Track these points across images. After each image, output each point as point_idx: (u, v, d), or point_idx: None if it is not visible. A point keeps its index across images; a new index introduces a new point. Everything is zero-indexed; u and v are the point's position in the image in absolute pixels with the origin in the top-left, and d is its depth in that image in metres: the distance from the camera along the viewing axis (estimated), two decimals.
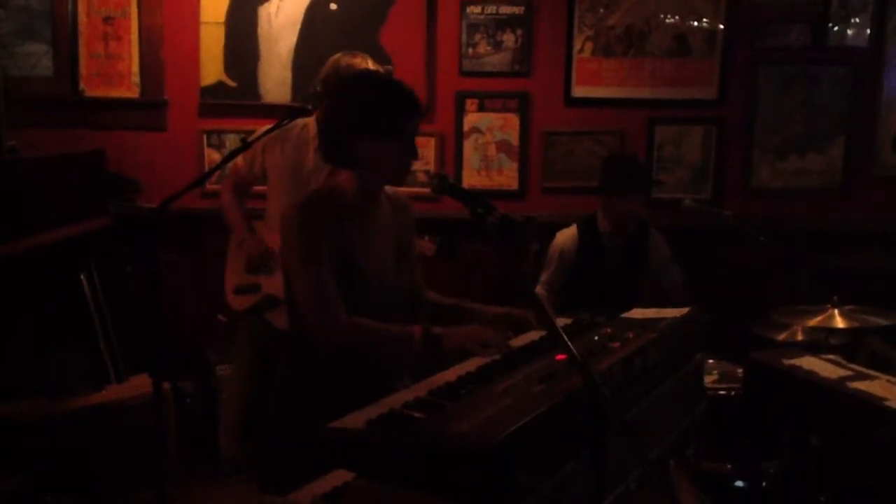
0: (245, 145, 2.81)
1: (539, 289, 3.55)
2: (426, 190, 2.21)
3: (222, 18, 4.20)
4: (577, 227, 3.60)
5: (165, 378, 3.11)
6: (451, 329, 2.07)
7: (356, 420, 1.55)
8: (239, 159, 3.18)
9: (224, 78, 4.23)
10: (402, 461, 1.48)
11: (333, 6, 4.21)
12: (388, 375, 2.15)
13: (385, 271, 2.17)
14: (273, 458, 2.19)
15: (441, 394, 1.69)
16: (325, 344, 2.04)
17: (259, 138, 2.96)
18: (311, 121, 3.12)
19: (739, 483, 2.95)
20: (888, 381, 2.35)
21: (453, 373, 1.84)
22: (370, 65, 3.12)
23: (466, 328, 2.10)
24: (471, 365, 1.90)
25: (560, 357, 1.80)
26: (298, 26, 4.20)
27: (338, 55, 3.14)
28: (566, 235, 3.61)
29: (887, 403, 2.14)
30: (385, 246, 2.20)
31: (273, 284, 3.08)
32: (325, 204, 2.11)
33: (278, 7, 4.21)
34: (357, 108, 2.08)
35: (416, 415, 1.57)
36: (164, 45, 4.22)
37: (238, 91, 4.23)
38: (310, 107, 2.96)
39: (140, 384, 3.37)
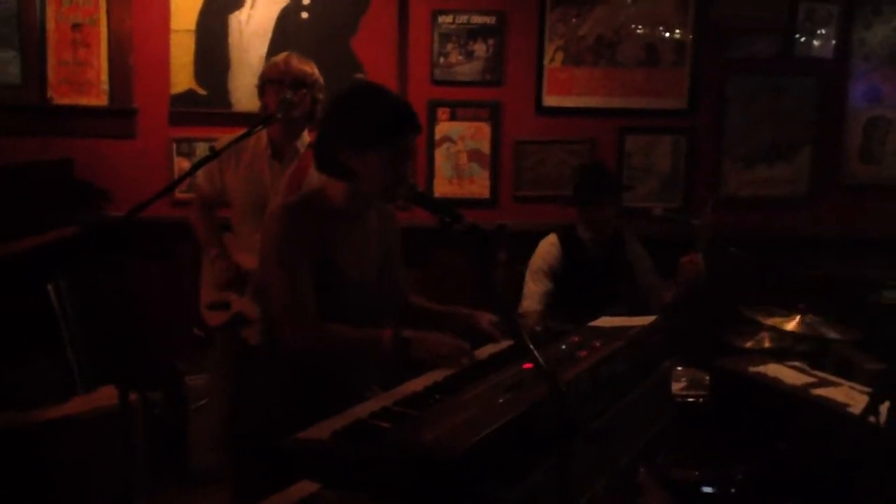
0: (213, 154, 2.79)
1: (530, 303, 3.53)
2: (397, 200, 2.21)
3: (192, 26, 4.18)
4: (558, 237, 3.59)
5: (134, 388, 3.08)
6: (420, 333, 2.07)
7: (322, 430, 1.55)
8: (200, 178, 3.16)
9: (194, 86, 4.21)
10: (368, 471, 1.47)
11: (304, 15, 4.21)
12: (357, 384, 2.15)
13: (368, 278, 2.17)
14: (244, 468, 2.18)
15: (407, 404, 1.69)
16: (295, 347, 2.04)
17: (228, 147, 2.94)
18: (262, 133, 3.08)
19: (708, 489, 2.97)
20: (851, 387, 2.38)
21: (420, 382, 1.85)
22: (316, 71, 3.09)
23: (435, 336, 2.10)
24: (438, 374, 1.90)
25: (527, 366, 1.80)
26: (269, 35, 4.19)
27: (285, 53, 3.12)
28: (548, 246, 3.59)
29: (850, 410, 2.16)
30: (369, 252, 2.21)
31: (243, 304, 3.07)
32: (310, 208, 2.11)
33: (249, 15, 4.20)
34: (352, 120, 2.08)
35: (383, 425, 1.57)
36: (133, 52, 4.19)
37: (208, 99, 4.20)
38: (279, 115, 2.95)
39: (108, 395, 3.32)
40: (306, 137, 3.13)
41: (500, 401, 1.65)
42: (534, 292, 3.54)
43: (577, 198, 3.57)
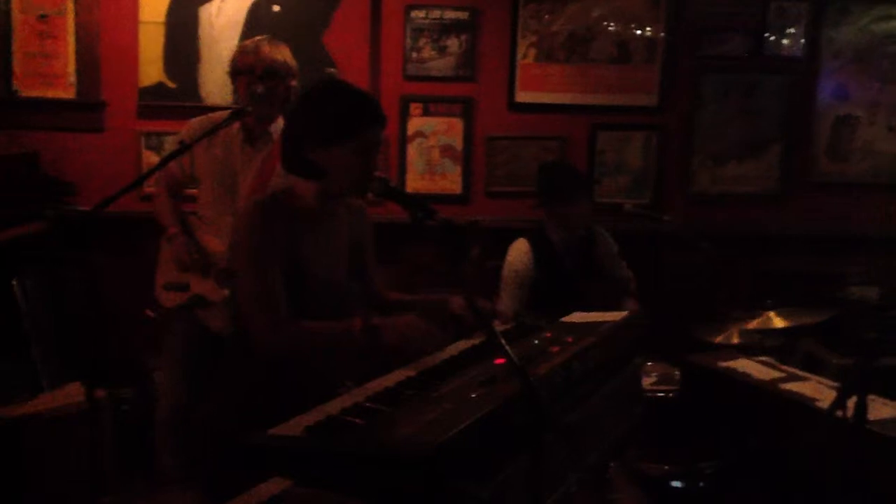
0: (183, 147, 2.76)
1: (500, 308, 3.49)
2: (368, 194, 2.20)
3: (162, 18, 4.12)
4: (529, 242, 3.55)
5: (101, 385, 3.04)
6: (389, 320, 2.06)
7: (294, 427, 1.53)
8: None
9: (164, 79, 4.16)
10: (341, 468, 1.46)
11: (276, 8, 4.17)
12: (331, 378, 2.14)
13: (336, 276, 2.16)
14: (215, 465, 2.16)
15: (380, 399, 1.68)
16: (266, 347, 2.02)
17: (198, 140, 2.90)
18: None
19: (678, 483, 2.99)
20: (819, 382, 2.41)
21: (393, 378, 1.84)
22: (289, 57, 3.05)
23: (404, 319, 2.09)
24: (410, 370, 1.89)
25: (499, 361, 1.80)
26: (240, 28, 4.15)
27: (256, 38, 3.07)
28: (518, 253, 3.54)
29: (818, 404, 2.19)
30: (338, 250, 2.20)
31: (203, 285, 3.03)
32: (281, 206, 2.10)
33: (220, 8, 4.15)
34: (317, 116, 2.07)
35: (355, 421, 1.56)
36: (101, 44, 4.13)
37: (178, 92, 4.15)
38: (250, 108, 2.92)
39: (74, 392, 3.28)
40: (280, 122, 3.11)
41: (473, 396, 1.64)
42: (508, 306, 3.49)
43: (551, 198, 3.53)
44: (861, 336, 3.62)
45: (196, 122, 3.09)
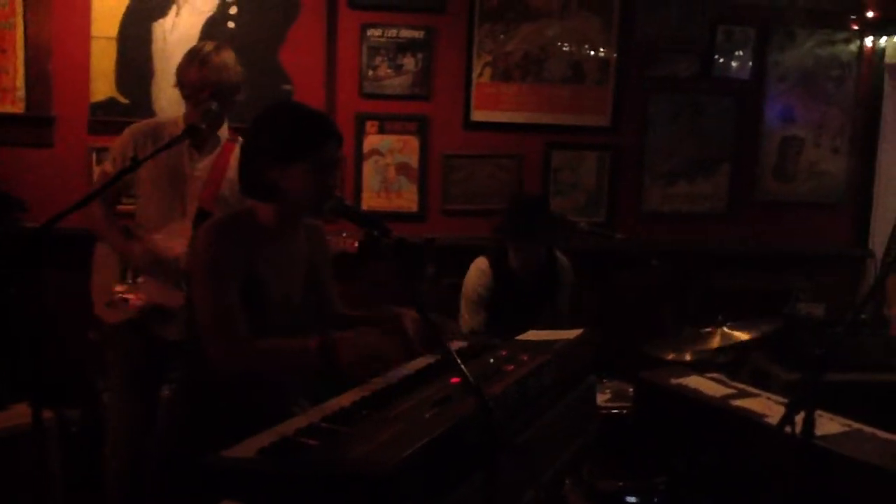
0: (135, 164, 2.72)
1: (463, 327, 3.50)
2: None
3: (114, 33, 4.07)
4: (490, 264, 3.53)
5: (48, 406, 2.96)
6: (346, 336, 2.03)
7: (247, 448, 1.52)
8: (108, 167, 3.07)
9: (116, 94, 4.10)
10: (295, 490, 1.45)
11: (231, 24, 4.15)
12: (285, 398, 2.13)
13: (293, 297, 2.16)
14: (169, 487, 2.12)
15: (335, 419, 1.67)
16: (223, 367, 2.00)
17: (152, 156, 2.87)
18: (180, 122, 3.01)
19: (632, 499, 3.02)
20: (768, 398, 2.46)
21: (348, 397, 1.83)
22: (235, 65, 3.03)
23: (362, 337, 2.07)
24: (365, 389, 1.89)
25: (454, 380, 1.81)
26: (195, 43, 4.11)
27: (204, 47, 3.02)
28: (478, 272, 3.52)
29: (767, 420, 2.23)
30: (296, 271, 2.20)
31: (160, 294, 2.97)
32: (240, 226, 2.10)
33: (174, 23, 4.12)
34: (272, 136, 2.07)
35: (310, 442, 1.55)
36: (52, 58, 4.06)
37: (130, 108, 4.09)
38: (203, 125, 2.89)
39: (21, 413, 3.19)
40: (227, 127, 3.09)
41: (428, 416, 1.64)
42: (469, 325, 3.51)
43: (508, 230, 3.48)
44: (808, 352, 3.70)
45: (130, 134, 3.04)
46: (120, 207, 3.24)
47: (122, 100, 4.10)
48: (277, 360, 2.03)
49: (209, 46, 3.02)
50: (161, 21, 4.10)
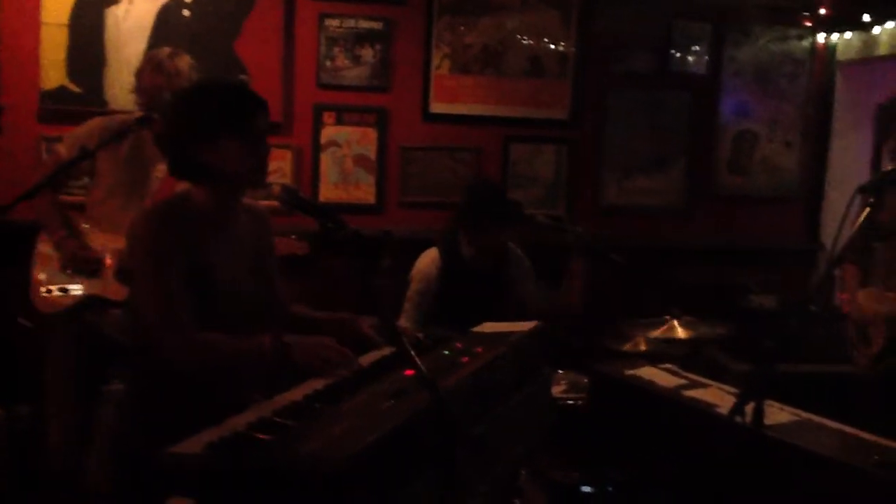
0: (86, 154, 2.68)
1: (402, 320, 3.41)
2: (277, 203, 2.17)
3: (65, 20, 3.98)
4: (440, 253, 3.49)
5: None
6: (301, 339, 2.03)
7: (196, 444, 1.49)
8: (62, 149, 3.02)
9: (67, 83, 4.01)
10: (245, 485, 1.43)
11: (186, 13, 4.08)
12: (241, 390, 2.10)
13: (241, 283, 2.11)
14: (125, 482, 2.08)
15: (287, 413, 1.65)
16: (170, 357, 1.97)
17: (102, 146, 2.82)
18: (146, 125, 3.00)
19: (587, 488, 3.04)
20: (720, 388, 2.49)
21: (300, 391, 1.81)
22: (190, 70, 3.02)
23: (316, 339, 2.07)
24: (318, 382, 1.87)
25: (409, 373, 1.80)
26: (148, 31, 4.04)
27: (158, 53, 3.04)
28: (428, 263, 3.48)
29: (718, 410, 2.26)
30: (242, 257, 2.15)
31: (102, 285, 2.93)
32: (177, 213, 2.04)
33: (127, 10, 4.03)
34: (198, 115, 2.03)
35: (261, 436, 1.53)
36: (0, 46, 3.96)
37: (82, 97, 4.01)
38: (156, 115, 2.86)
39: None
40: None
41: (382, 409, 1.63)
42: (411, 315, 3.43)
43: (467, 220, 3.43)
44: (760, 344, 3.76)
45: (97, 127, 3.01)
46: (70, 198, 3.19)
47: (74, 88, 4.02)
48: (226, 355, 2.00)
49: (164, 52, 3.05)
50: (114, 8, 4.03)
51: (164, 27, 4.05)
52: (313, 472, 1.41)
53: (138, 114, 3.01)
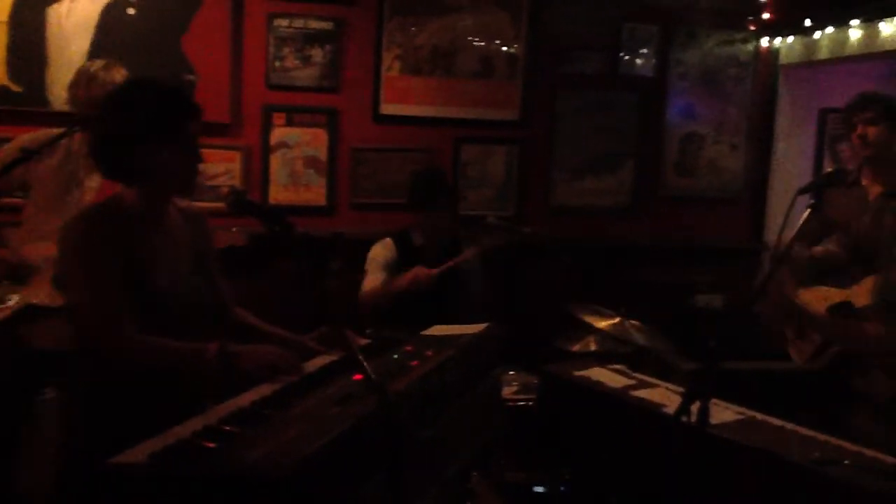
0: (25, 156, 2.61)
1: (370, 284, 3.54)
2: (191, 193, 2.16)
3: (5, 17, 3.87)
4: (393, 241, 3.60)
5: None
6: (248, 347, 2.02)
7: (139, 453, 1.46)
8: None
9: (7, 82, 3.90)
10: (191, 495, 1.41)
11: (131, 11, 4.01)
12: (188, 398, 2.06)
13: (180, 285, 2.08)
14: (68, 492, 2.04)
15: (233, 420, 1.63)
16: (112, 360, 1.93)
17: (44, 146, 2.76)
18: (77, 137, 2.95)
19: (539, 488, 3.06)
20: (667, 388, 2.52)
21: (247, 397, 1.79)
22: (120, 76, 2.98)
23: (263, 348, 2.06)
24: (266, 388, 1.85)
25: (357, 377, 1.79)
26: (92, 30, 3.96)
27: (92, 66, 3.00)
28: (382, 247, 3.60)
29: (665, 410, 2.29)
30: (179, 259, 2.12)
31: (37, 293, 2.87)
32: (110, 216, 2.01)
33: (70, 8, 3.94)
34: (130, 117, 1.99)
35: (206, 444, 1.51)
36: None
37: (23, 97, 3.91)
38: (94, 115, 2.80)
39: None
40: None
41: (329, 414, 1.62)
42: (376, 274, 3.55)
43: (414, 202, 3.60)
44: (706, 342, 3.82)
45: (26, 137, 3.00)
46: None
47: (15, 87, 3.92)
48: (168, 360, 1.97)
49: (97, 65, 3.00)
50: (56, 6, 3.93)
51: (109, 26, 3.97)
52: (259, 479, 1.39)
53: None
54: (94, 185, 2.94)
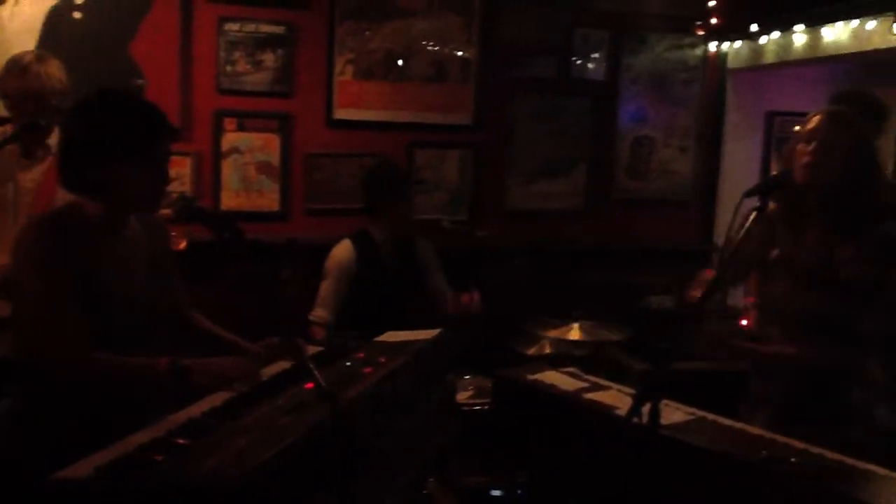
0: None
1: (319, 310, 3.52)
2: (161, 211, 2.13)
3: None
4: (352, 241, 3.59)
5: None
6: (201, 361, 1.99)
7: (84, 468, 1.43)
8: None
9: None
10: None
11: (77, 14, 3.93)
12: (139, 410, 2.03)
13: (136, 293, 2.05)
14: None
15: (183, 432, 1.61)
16: (58, 376, 1.89)
17: None
18: (8, 129, 2.89)
19: (496, 492, 3.07)
20: (619, 390, 2.55)
21: (198, 408, 1.77)
22: (60, 73, 2.91)
23: (218, 360, 2.03)
24: (217, 399, 1.83)
25: (309, 386, 1.78)
26: (37, 34, 3.87)
27: (24, 57, 2.92)
28: (342, 249, 3.58)
29: (617, 412, 2.31)
30: (137, 266, 2.09)
31: None
32: (65, 224, 1.96)
33: (13, 12, 3.86)
34: (98, 130, 1.95)
35: (154, 457, 1.49)
36: None
37: None
38: (43, 122, 2.75)
39: None
40: (56, 135, 2.96)
41: (281, 424, 1.61)
42: (326, 301, 3.53)
43: (377, 197, 3.58)
44: (655, 344, 3.87)
45: None
46: None
47: None
48: (120, 375, 1.93)
49: (30, 55, 2.94)
50: None
51: (54, 29, 3.89)
52: (209, 491, 1.38)
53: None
54: (29, 186, 2.88)
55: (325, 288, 3.56)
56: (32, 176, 2.88)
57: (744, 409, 2.69)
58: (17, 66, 2.86)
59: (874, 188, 2.48)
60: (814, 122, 2.47)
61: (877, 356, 2.49)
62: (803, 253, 2.53)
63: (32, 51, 2.98)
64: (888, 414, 2.52)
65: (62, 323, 1.87)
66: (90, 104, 2.02)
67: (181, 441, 1.57)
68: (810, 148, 2.42)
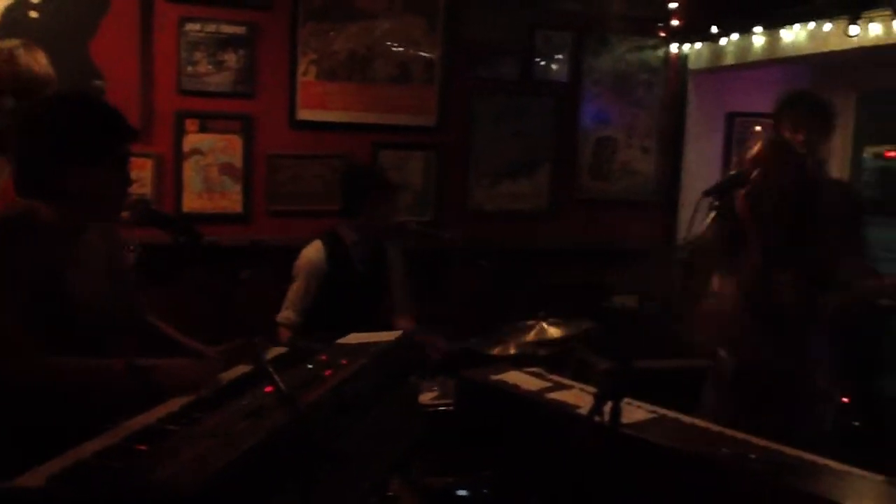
0: None
1: (287, 312, 3.50)
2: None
3: None
4: (322, 242, 3.57)
5: None
6: (163, 362, 1.96)
7: (37, 477, 1.40)
8: None
9: None
10: None
11: (34, 14, 3.87)
12: (95, 416, 2.00)
13: (96, 295, 2.01)
14: None
15: (138, 439, 1.58)
16: (10, 382, 1.85)
17: None
18: None
19: (462, 492, 3.07)
20: (582, 389, 2.56)
21: (154, 414, 1.74)
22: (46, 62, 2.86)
23: (177, 361, 2.01)
24: (174, 404, 1.80)
25: (269, 389, 1.76)
26: None
27: (7, 44, 2.87)
28: (313, 249, 3.56)
29: (579, 411, 2.33)
30: (95, 269, 2.05)
31: None
32: (18, 228, 1.91)
33: None
34: (59, 135, 1.90)
35: (109, 464, 1.46)
36: None
37: None
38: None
39: None
40: None
41: (239, 429, 1.59)
42: (294, 302, 3.51)
43: (359, 199, 3.55)
44: (620, 342, 3.90)
45: None
46: None
47: None
48: (75, 380, 1.90)
49: (14, 43, 2.88)
50: None
51: (10, 28, 3.82)
52: (165, 498, 1.35)
53: None
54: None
55: (295, 289, 3.54)
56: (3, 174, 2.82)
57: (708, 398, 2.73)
58: (2, 53, 2.80)
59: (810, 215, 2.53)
60: (755, 150, 2.52)
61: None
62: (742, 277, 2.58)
63: (15, 39, 2.89)
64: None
65: (11, 331, 1.82)
66: (49, 108, 1.97)
67: (138, 447, 1.54)
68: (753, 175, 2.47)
